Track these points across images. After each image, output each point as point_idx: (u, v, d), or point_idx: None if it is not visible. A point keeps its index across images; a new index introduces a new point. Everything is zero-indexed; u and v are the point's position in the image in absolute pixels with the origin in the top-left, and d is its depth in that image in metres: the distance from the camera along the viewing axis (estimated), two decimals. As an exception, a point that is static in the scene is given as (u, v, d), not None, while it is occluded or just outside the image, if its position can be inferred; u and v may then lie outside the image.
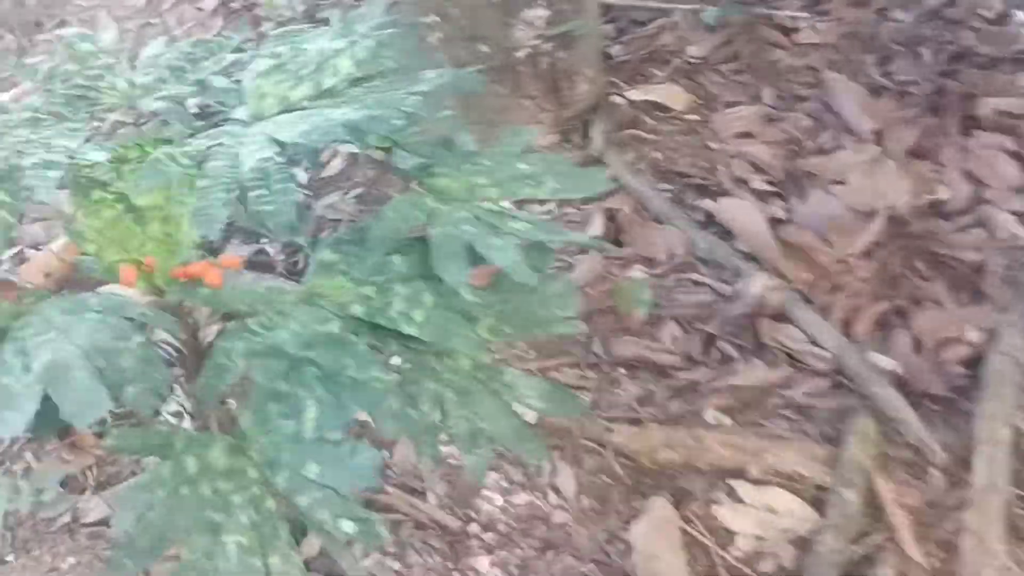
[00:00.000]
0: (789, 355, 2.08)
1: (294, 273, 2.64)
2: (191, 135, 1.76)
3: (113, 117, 1.88)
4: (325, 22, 3.62)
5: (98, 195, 1.61)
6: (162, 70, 1.87)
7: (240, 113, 1.49)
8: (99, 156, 1.38)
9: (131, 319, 1.31)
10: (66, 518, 2.04)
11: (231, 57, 1.86)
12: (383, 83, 1.55)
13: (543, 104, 2.79)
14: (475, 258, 1.48)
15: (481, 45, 2.66)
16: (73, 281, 2.83)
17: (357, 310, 1.46)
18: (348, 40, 1.46)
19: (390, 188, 2.84)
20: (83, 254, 1.60)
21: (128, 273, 1.54)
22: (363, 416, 1.45)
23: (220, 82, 1.98)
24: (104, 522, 2.05)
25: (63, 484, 2.05)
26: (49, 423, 1.22)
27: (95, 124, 1.69)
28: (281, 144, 1.37)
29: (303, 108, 1.45)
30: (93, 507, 2.07)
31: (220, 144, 1.40)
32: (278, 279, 2.36)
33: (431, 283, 1.49)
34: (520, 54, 2.68)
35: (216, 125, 1.67)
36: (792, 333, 2.10)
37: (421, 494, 2.00)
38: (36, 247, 3.02)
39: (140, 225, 1.59)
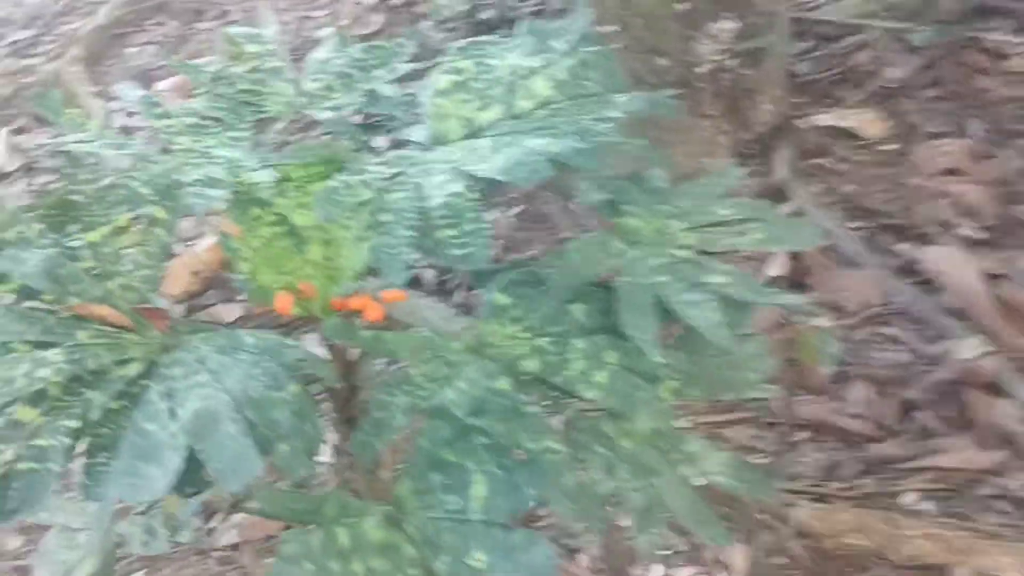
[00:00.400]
0: (1004, 436, 1.81)
1: (444, 292, 2.50)
2: (356, 149, 1.63)
3: (277, 126, 1.76)
4: (488, 24, 3.49)
5: (256, 212, 1.49)
6: (331, 77, 1.74)
7: (418, 135, 1.33)
8: (264, 176, 1.24)
9: (286, 364, 1.17)
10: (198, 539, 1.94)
11: (404, 67, 1.72)
12: (568, 105, 1.37)
13: (721, 125, 2.57)
14: (665, 313, 1.29)
15: (660, 59, 2.47)
16: (220, 280, 2.76)
17: (531, 365, 1.29)
18: (544, 58, 1.28)
19: (549, 205, 2.68)
20: (235, 271, 1.49)
21: (284, 301, 1.41)
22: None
23: (389, 91, 1.85)
24: (235, 547, 1.94)
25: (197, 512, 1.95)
26: (191, 481, 1.09)
27: (259, 134, 1.57)
28: (472, 177, 1.20)
29: (491, 133, 1.29)
30: (225, 530, 1.97)
31: (401, 172, 1.25)
32: (437, 304, 2.22)
33: (614, 339, 1.31)
34: (701, 69, 2.47)
35: (391, 144, 1.52)
36: (1008, 410, 1.82)
37: (572, 552, 1.82)
38: (185, 242, 2.97)
39: (298, 246, 1.46)
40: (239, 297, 2.65)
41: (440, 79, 1.34)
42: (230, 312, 2.64)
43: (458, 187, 1.20)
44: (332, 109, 1.71)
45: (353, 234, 1.49)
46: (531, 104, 1.26)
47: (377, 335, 1.28)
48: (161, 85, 3.93)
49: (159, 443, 1.08)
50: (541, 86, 1.26)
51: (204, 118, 1.58)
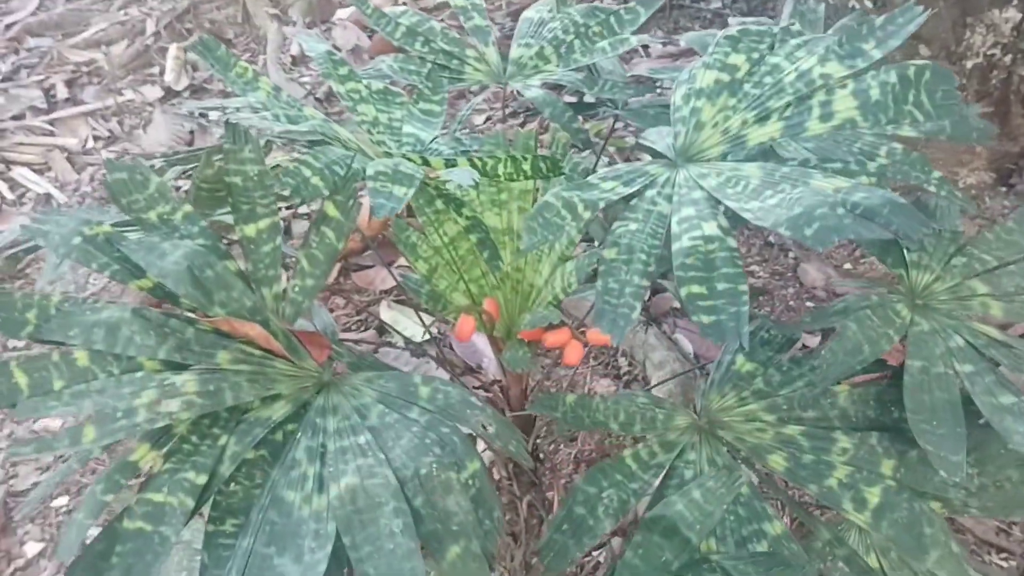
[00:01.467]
0: None
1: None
2: (576, 147, 1.34)
3: (476, 99, 1.48)
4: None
5: (441, 205, 1.23)
6: (544, 43, 1.45)
7: (660, 141, 1.03)
8: (463, 178, 0.97)
9: (457, 429, 0.90)
10: None
11: (634, 40, 1.41)
12: (874, 136, 1.05)
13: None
14: (968, 414, 0.97)
15: (922, 46, 2.07)
16: (384, 243, 2.53)
17: (777, 462, 0.99)
18: (849, 64, 0.95)
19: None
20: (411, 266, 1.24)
21: (466, 328, 1.15)
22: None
23: (612, 68, 1.54)
24: None
25: None
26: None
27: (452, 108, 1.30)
28: (730, 216, 0.90)
29: (764, 160, 0.97)
30: None
31: (639, 194, 0.95)
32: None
33: (891, 440, 1.00)
34: (969, 64, 2.06)
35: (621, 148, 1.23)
36: None
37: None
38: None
39: (479, 248, 1.18)
40: (400, 263, 2.42)
41: (701, 74, 1.02)
42: (384, 280, 2.42)
43: (712, 228, 0.90)
44: (543, 84, 1.42)
45: (557, 248, 1.21)
46: (825, 127, 0.93)
47: (583, 398, 1.00)
48: (341, 13, 3.72)
49: (299, 524, 0.83)
50: (844, 105, 0.93)
51: (393, 84, 1.31)
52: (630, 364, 1.97)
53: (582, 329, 1.14)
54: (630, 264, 0.91)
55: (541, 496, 1.45)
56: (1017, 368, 1.00)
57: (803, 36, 1.03)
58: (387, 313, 2.28)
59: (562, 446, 1.82)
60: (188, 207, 1.01)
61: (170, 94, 3.39)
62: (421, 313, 2.31)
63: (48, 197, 2.96)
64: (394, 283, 2.38)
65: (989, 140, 1.09)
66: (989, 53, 2.04)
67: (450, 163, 1.05)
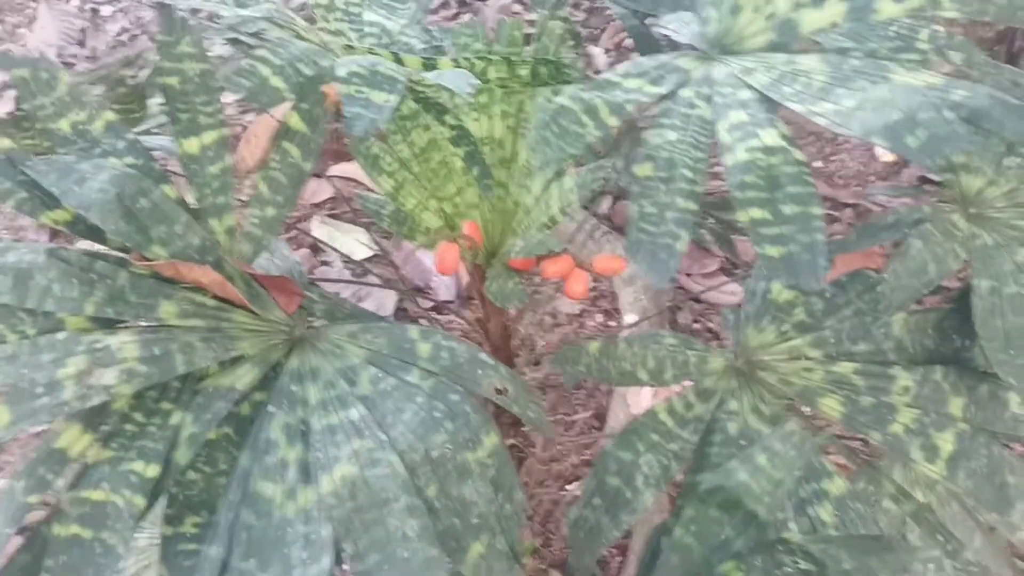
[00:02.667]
0: None
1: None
2: (575, 40, 1.14)
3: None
4: None
5: (410, 108, 1.04)
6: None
7: (686, 29, 0.85)
8: (455, 82, 0.77)
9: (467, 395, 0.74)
10: None
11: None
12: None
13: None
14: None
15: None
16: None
17: (830, 406, 0.85)
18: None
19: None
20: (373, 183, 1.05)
21: (448, 257, 0.97)
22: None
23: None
24: None
25: None
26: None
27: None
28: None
29: (824, 48, 0.81)
30: None
31: (672, 95, 0.78)
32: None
33: (959, 373, 0.87)
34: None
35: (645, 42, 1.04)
36: None
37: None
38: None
39: (467, 163, 1.00)
40: (331, 172, 2.20)
41: (737, -54, 0.84)
42: (315, 193, 2.19)
43: (773, 137, 0.73)
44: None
45: (551, 159, 1.03)
46: (900, 10, 0.76)
47: (606, 347, 0.84)
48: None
49: (282, 527, 0.66)
50: (929, -20, 0.76)
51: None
52: (595, 279, 1.82)
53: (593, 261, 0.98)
54: (671, 182, 0.74)
55: (524, 436, 1.30)
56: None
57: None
58: (320, 229, 2.08)
59: (526, 370, 1.68)
60: (110, 114, 0.80)
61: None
62: (360, 227, 2.12)
63: (-77, 106, 2.63)
64: (327, 195, 2.17)
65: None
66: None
67: (429, 64, 0.85)
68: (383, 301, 1.87)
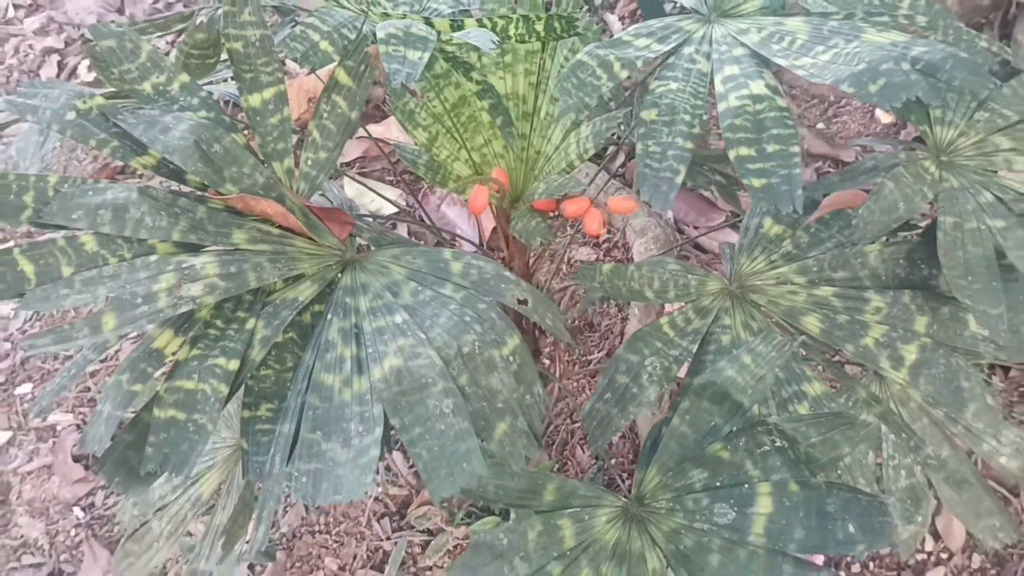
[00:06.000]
0: None
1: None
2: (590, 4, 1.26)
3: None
4: None
5: (442, 67, 1.16)
6: None
7: (687, -5, 0.97)
8: (482, 40, 0.90)
9: (494, 304, 0.87)
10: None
11: None
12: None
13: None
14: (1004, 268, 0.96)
15: None
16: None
17: (811, 323, 0.98)
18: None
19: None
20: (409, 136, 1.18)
21: (480, 197, 1.10)
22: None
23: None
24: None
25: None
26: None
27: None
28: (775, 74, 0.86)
29: (806, 12, 0.92)
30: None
31: (676, 51, 0.90)
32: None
33: (924, 298, 0.99)
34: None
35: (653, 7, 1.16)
36: None
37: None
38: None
39: (491, 115, 1.13)
40: (358, 134, 2.32)
41: (729, -81, 0.96)
42: (348, 150, 2.32)
43: (760, 87, 0.86)
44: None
45: (569, 109, 1.16)
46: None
47: (618, 268, 0.97)
48: None
49: (341, 408, 0.80)
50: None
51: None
52: (609, 231, 1.95)
53: (608, 201, 1.11)
54: (672, 125, 0.86)
55: (542, 365, 1.43)
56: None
57: None
58: (350, 187, 2.21)
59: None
60: (185, 76, 0.93)
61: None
62: (388, 185, 2.25)
63: (-30, 72, 2.77)
64: (357, 155, 2.29)
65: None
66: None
67: (456, 24, 0.98)
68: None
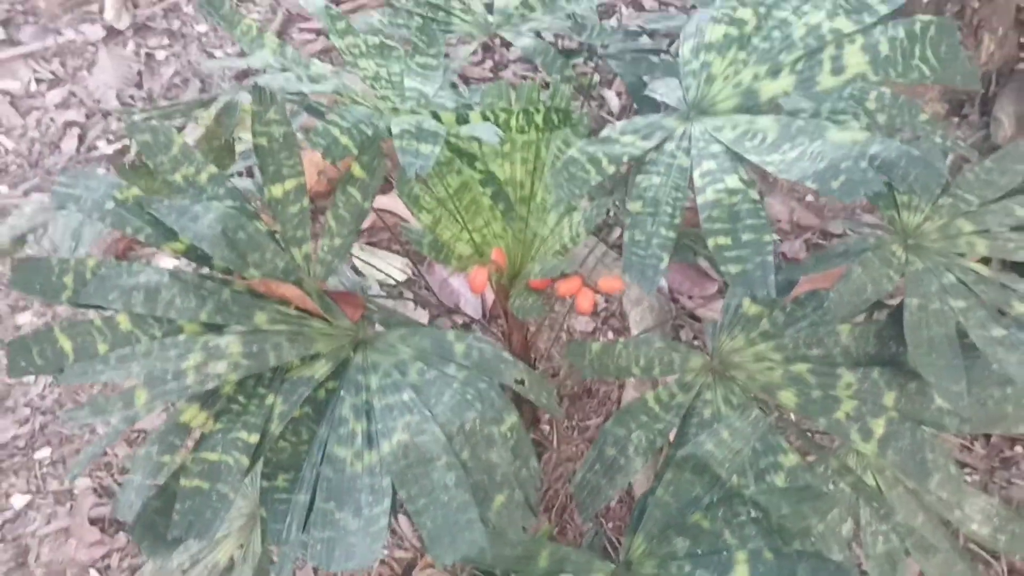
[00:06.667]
0: None
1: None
2: (580, 95, 1.36)
3: (466, 49, 1.49)
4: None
5: (445, 156, 1.25)
6: (530, -10, 1.46)
7: (671, 94, 1.06)
8: (487, 134, 0.99)
9: (493, 383, 0.95)
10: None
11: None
12: (884, 92, 1.09)
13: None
14: (964, 348, 1.04)
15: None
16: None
17: (787, 398, 1.05)
18: (857, 20, 0.99)
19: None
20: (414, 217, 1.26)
21: (479, 278, 1.18)
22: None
23: (587, 13, 1.55)
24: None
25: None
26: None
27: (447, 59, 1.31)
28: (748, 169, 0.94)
29: (778, 112, 1.01)
30: None
31: (659, 148, 0.99)
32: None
33: (892, 374, 1.07)
34: (925, -1, 2.13)
35: (627, 100, 1.25)
36: None
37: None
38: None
39: (493, 201, 1.22)
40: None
41: (709, 28, 1.05)
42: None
43: (734, 181, 0.94)
44: (532, 34, 1.44)
45: (563, 196, 1.25)
46: (838, 81, 0.98)
47: (607, 346, 1.05)
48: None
49: (353, 480, 0.88)
50: (855, 59, 0.98)
51: (389, 38, 1.32)
52: (607, 300, 2.03)
53: (599, 281, 1.19)
54: (656, 216, 0.95)
55: (543, 435, 1.51)
56: (1004, 302, 1.07)
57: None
58: (361, 255, 2.30)
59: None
60: (212, 168, 1.02)
61: (113, 33, 3.29)
62: (395, 255, 2.34)
63: (-6, 143, 2.89)
64: (367, 224, 2.39)
65: (974, 83, 1.14)
66: (944, -13, 2.11)
67: (461, 118, 1.07)
68: (417, 319, 2.08)
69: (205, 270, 1.00)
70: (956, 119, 2.24)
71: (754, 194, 0.93)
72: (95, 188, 0.98)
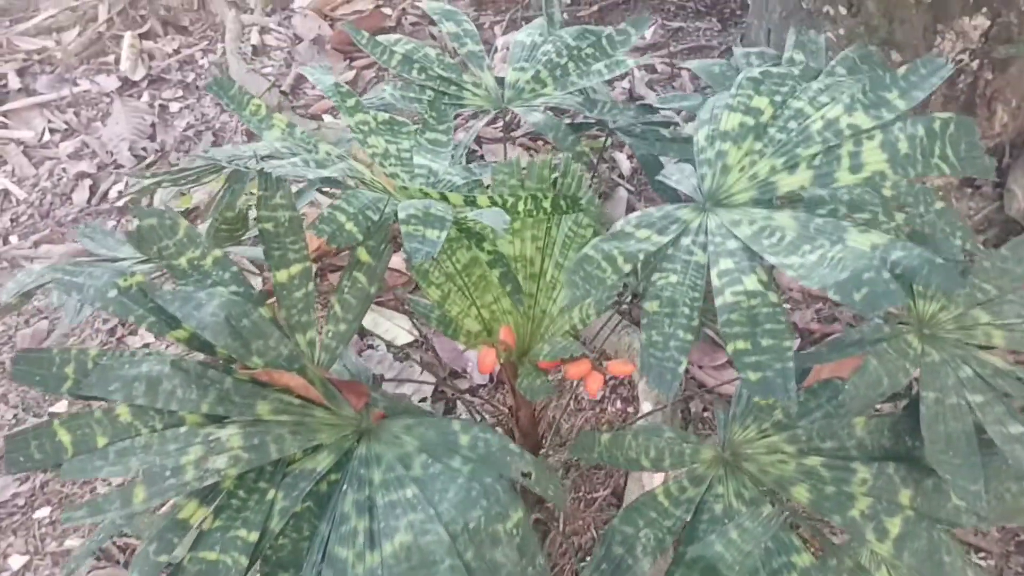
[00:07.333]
0: None
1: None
2: (593, 171, 1.35)
3: (477, 124, 1.49)
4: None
5: (454, 232, 1.24)
6: (540, 66, 1.46)
7: (685, 182, 1.05)
8: (495, 221, 0.98)
9: (499, 477, 0.92)
10: None
11: (630, 62, 1.43)
12: (905, 190, 1.08)
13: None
14: (981, 443, 1.01)
15: (895, 52, 2.12)
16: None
17: (800, 493, 1.03)
18: (875, 115, 0.98)
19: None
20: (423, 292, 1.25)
21: (487, 359, 1.16)
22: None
23: (604, 96, 1.55)
24: None
25: None
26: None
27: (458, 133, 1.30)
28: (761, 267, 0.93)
29: (796, 209, 1.00)
30: None
31: (674, 243, 0.97)
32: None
33: (908, 470, 1.04)
34: (938, 69, 2.11)
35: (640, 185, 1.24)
36: None
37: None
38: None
39: (501, 282, 1.20)
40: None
41: (725, 116, 1.04)
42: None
43: (753, 282, 0.92)
44: (542, 109, 1.44)
45: (571, 273, 1.23)
46: (856, 179, 0.97)
47: (616, 437, 1.03)
48: (300, 1, 3.67)
49: (356, 580, 0.85)
50: (874, 157, 0.96)
51: (400, 114, 1.31)
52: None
53: (607, 364, 1.17)
54: (673, 317, 0.93)
55: (549, 512, 1.48)
56: (1022, 396, 1.05)
57: (822, 80, 1.06)
58: (367, 316, 2.28)
59: (551, 452, 1.85)
60: (218, 251, 1.01)
61: (127, 84, 3.32)
62: (402, 315, 2.33)
63: (6, 193, 2.89)
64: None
65: (990, 175, 1.13)
66: (958, 58, 2.10)
67: (469, 199, 1.06)
68: (423, 381, 2.06)
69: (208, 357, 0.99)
70: (969, 190, 2.23)
71: (773, 296, 0.91)
72: (98, 276, 0.96)
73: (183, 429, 0.92)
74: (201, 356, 0.99)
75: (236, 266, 1.02)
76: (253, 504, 0.90)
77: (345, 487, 0.92)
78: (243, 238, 1.30)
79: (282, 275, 1.01)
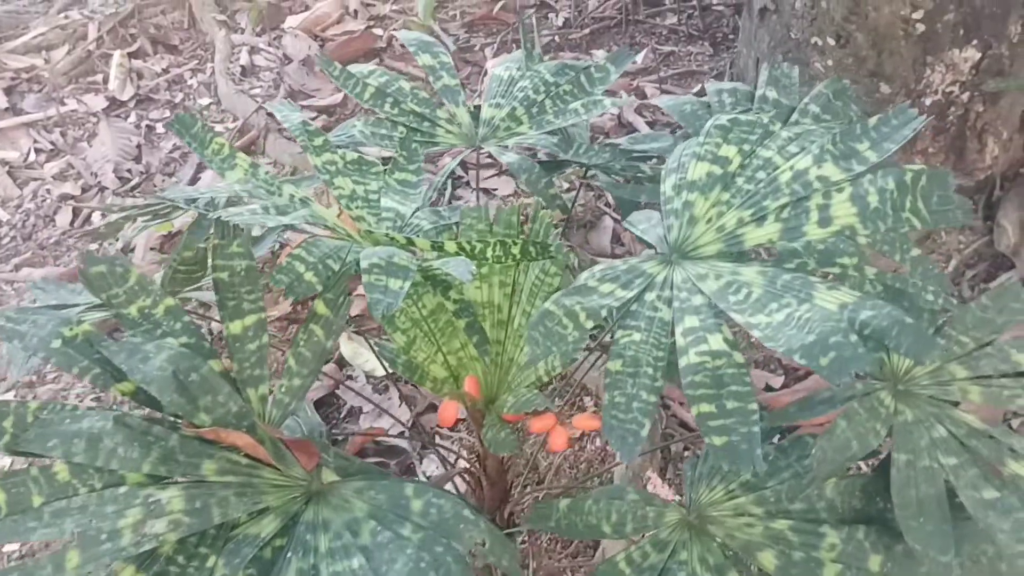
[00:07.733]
0: None
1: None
2: (562, 220, 1.32)
3: (449, 163, 1.46)
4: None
5: (420, 277, 1.21)
6: (516, 103, 1.43)
7: (651, 231, 1.02)
8: (461, 271, 0.94)
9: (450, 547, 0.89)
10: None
11: (607, 102, 1.40)
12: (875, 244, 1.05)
13: (935, 165, 2.20)
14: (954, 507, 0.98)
15: (883, 84, 2.09)
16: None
17: (767, 560, 0.99)
18: (845, 167, 0.95)
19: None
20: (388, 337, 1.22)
21: (449, 412, 1.13)
22: None
23: (581, 134, 1.52)
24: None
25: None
26: None
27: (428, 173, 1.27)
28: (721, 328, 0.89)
29: (761, 264, 0.97)
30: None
31: (638, 299, 0.94)
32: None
33: (878, 534, 1.00)
34: (928, 100, 2.09)
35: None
36: None
37: None
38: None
39: (467, 333, 1.17)
40: (359, 290, 2.38)
41: (692, 165, 1.01)
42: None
43: (718, 342, 0.89)
44: (517, 148, 1.41)
45: (536, 323, 1.20)
46: (824, 233, 0.93)
47: (575, 503, 0.99)
48: (292, 20, 3.65)
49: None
50: (843, 211, 0.93)
51: (368, 153, 1.28)
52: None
53: (573, 420, 1.14)
54: (636, 377, 0.90)
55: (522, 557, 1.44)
56: (997, 459, 1.01)
57: (792, 128, 1.03)
58: (347, 345, 2.25)
59: (528, 489, 1.82)
60: (170, 300, 0.98)
61: (115, 104, 3.29)
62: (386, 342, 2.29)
63: (-11, 214, 2.86)
64: (355, 312, 2.34)
65: (969, 221, 1.10)
66: (948, 90, 2.08)
67: (436, 245, 1.03)
68: (400, 415, 2.03)
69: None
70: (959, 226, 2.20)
71: (739, 357, 0.88)
72: (42, 325, 0.93)
73: (122, 489, 0.88)
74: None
75: (188, 315, 0.99)
76: (192, 571, 0.86)
77: (289, 554, 0.88)
78: (201, 280, 1.27)
79: (236, 326, 0.98)
